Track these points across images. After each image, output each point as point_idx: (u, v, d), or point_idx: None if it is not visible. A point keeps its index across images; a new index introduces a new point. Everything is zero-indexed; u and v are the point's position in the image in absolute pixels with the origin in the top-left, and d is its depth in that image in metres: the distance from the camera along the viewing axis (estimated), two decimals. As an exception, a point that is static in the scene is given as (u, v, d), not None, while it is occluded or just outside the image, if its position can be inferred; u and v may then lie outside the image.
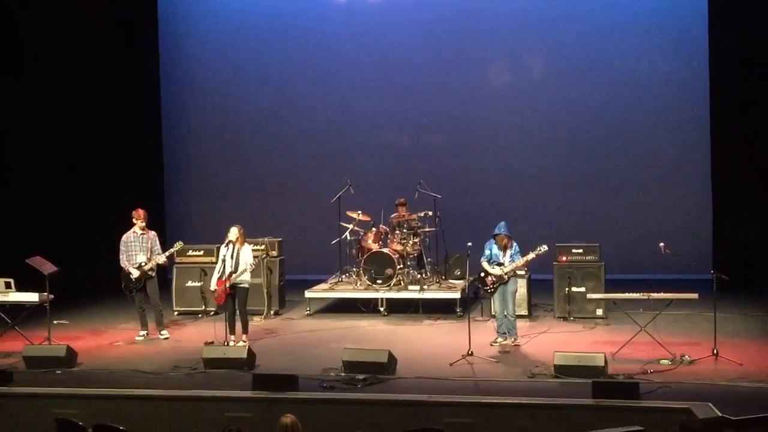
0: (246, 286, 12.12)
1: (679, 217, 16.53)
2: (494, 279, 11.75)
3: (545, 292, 14.07)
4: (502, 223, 11.84)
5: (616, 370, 10.13)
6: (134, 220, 12.70)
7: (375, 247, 14.39)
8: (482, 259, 11.85)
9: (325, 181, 16.74)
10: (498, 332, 11.93)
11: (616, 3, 16.87)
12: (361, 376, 10.12)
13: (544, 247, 11.66)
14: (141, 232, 12.68)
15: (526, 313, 13.49)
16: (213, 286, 12.17)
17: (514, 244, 11.82)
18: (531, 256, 11.67)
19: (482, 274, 11.89)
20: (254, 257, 12.35)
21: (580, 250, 13.63)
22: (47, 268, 12.10)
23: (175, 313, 14.37)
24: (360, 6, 17.25)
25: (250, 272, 12.07)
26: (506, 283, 11.77)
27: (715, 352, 10.71)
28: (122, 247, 12.68)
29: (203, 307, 14.29)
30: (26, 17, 15.70)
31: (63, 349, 11.10)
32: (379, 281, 14.16)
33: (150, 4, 17.66)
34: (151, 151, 17.72)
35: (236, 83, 18.07)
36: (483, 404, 9.35)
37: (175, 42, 18.10)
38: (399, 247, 14.37)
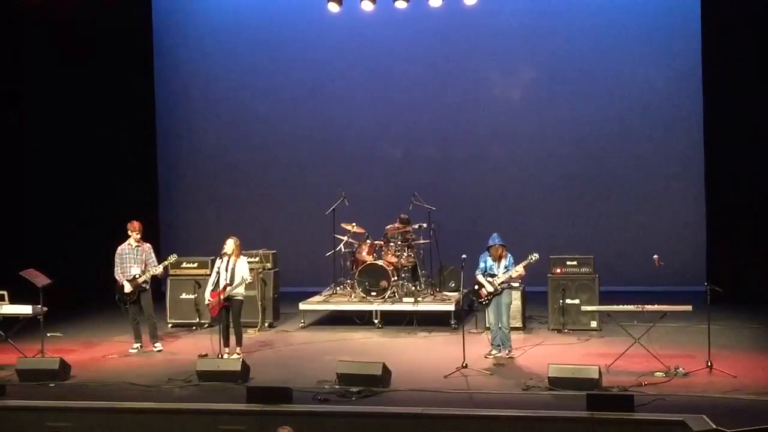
0: (241, 298, 12.10)
1: (673, 229, 16.57)
2: (488, 291, 11.77)
3: (539, 305, 14.09)
4: (495, 234, 11.90)
5: (611, 383, 10.11)
6: (129, 232, 12.69)
7: (369, 259, 14.40)
8: (477, 271, 11.88)
9: (319, 193, 16.74)
10: (492, 344, 11.93)
11: (610, 17, 16.91)
12: (355, 389, 10.09)
13: (536, 256, 11.70)
14: (136, 244, 12.67)
15: (521, 326, 13.49)
16: (207, 297, 12.16)
17: (509, 255, 11.85)
18: (523, 264, 11.70)
19: (476, 287, 11.91)
20: (249, 270, 12.30)
21: (575, 263, 13.65)
22: (41, 280, 12.06)
23: (169, 325, 14.35)
24: (355, 18, 17.24)
25: (247, 282, 12.08)
26: (500, 294, 11.79)
27: (709, 364, 10.72)
28: (116, 260, 12.67)
29: (197, 319, 14.27)
30: (22, 27, 15.69)
31: (56, 362, 11.06)
32: (373, 293, 14.16)
33: (145, 14, 17.71)
34: (145, 163, 17.76)
35: (230, 95, 18.08)
36: (477, 417, 9.34)
37: (169, 53, 18.14)
38: (393, 260, 14.37)
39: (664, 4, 16.70)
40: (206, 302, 12.25)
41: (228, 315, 11.98)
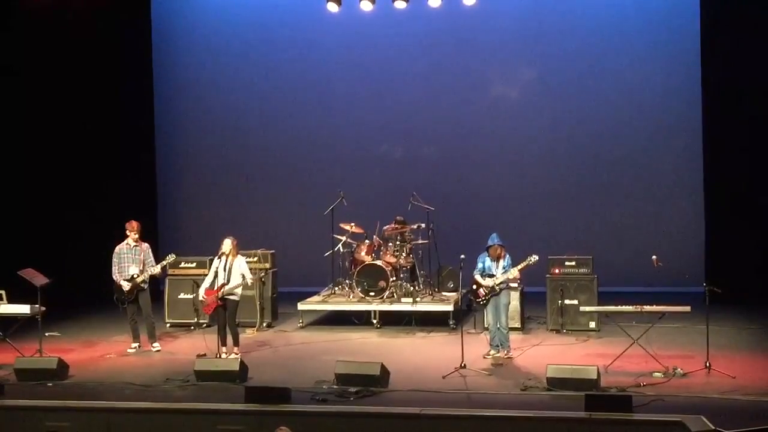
0: (236, 299, 12.08)
1: (671, 230, 16.56)
2: (486, 291, 11.76)
3: (538, 305, 14.07)
4: (494, 234, 11.88)
5: (609, 383, 10.11)
6: (127, 232, 12.68)
7: (368, 259, 14.39)
8: (475, 272, 11.87)
9: (318, 193, 16.71)
10: (491, 345, 11.92)
11: (610, 16, 16.91)
12: (353, 389, 10.09)
13: (535, 257, 11.69)
14: (134, 244, 12.67)
15: (519, 326, 13.48)
16: (201, 294, 12.15)
17: (507, 255, 11.84)
18: (521, 266, 11.69)
19: (474, 287, 11.90)
20: (250, 270, 12.31)
21: (573, 263, 13.64)
22: (39, 280, 12.05)
23: (168, 325, 14.33)
24: (354, 18, 17.23)
25: (247, 285, 12.07)
26: (498, 294, 11.78)
27: (707, 365, 10.72)
28: (114, 259, 12.67)
29: (196, 319, 14.24)
30: (21, 27, 15.68)
31: (54, 362, 11.05)
32: (371, 294, 14.15)
33: (144, 17, 17.69)
34: (143, 163, 17.75)
35: (230, 95, 18.07)
36: (476, 417, 9.34)
37: (168, 54, 18.12)
38: (392, 260, 14.36)
39: (664, 4, 16.70)
40: (200, 298, 12.26)
41: (224, 315, 11.98)
